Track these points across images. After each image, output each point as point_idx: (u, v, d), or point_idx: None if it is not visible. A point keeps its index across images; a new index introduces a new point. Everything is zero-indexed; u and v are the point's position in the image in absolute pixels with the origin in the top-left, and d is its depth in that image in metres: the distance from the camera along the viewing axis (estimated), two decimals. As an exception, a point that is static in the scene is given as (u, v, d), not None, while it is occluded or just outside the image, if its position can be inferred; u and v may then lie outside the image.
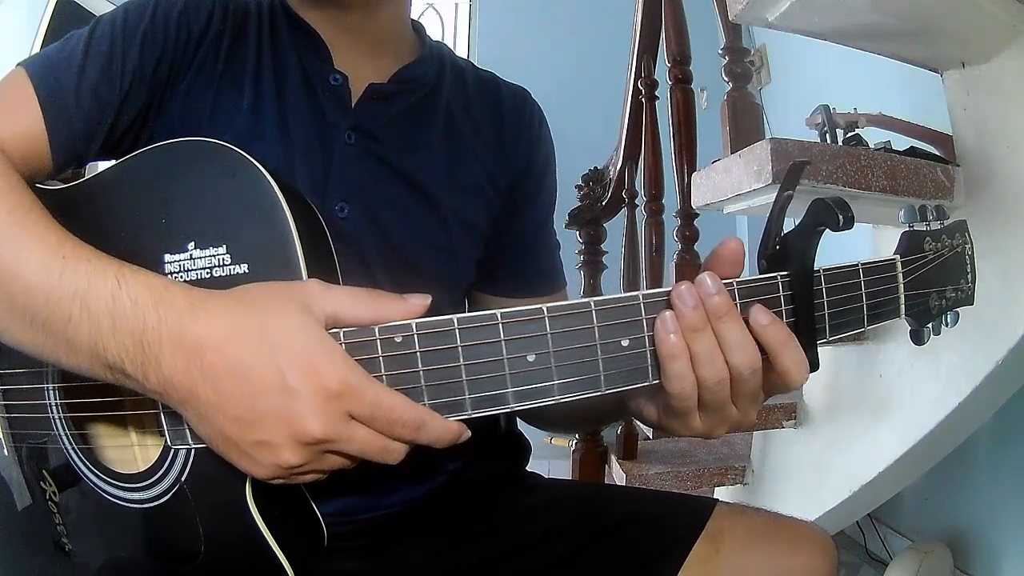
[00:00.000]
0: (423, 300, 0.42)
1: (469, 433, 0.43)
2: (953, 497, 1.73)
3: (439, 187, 0.66)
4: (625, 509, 0.65)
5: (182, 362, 0.39)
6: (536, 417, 0.74)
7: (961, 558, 1.64)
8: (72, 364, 0.42)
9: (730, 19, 1.14)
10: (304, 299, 0.41)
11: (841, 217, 0.42)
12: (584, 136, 2.09)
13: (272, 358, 0.38)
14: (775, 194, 0.46)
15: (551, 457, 1.91)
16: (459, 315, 0.41)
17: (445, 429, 0.41)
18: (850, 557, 1.94)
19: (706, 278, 0.42)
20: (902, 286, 0.49)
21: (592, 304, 0.42)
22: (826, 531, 0.64)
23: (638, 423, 1.48)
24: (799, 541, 0.62)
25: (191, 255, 0.45)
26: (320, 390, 0.38)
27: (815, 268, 0.45)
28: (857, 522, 1.89)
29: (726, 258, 0.45)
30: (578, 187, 1.90)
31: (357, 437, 0.40)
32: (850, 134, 1.28)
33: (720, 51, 1.37)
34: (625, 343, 0.42)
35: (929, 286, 0.50)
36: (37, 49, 2.35)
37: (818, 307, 0.45)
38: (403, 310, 0.42)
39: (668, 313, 0.42)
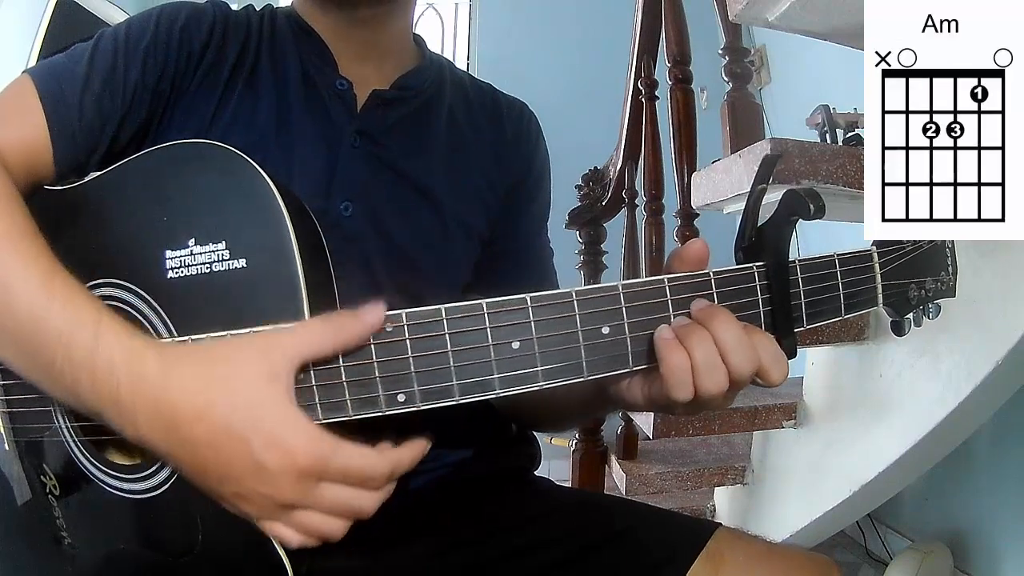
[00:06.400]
0: (377, 311, 0.42)
1: (428, 445, 0.45)
2: (953, 497, 1.73)
3: (441, 190, 0.67)
4: (626, 522, 0.64)
5: (159, 430, 0.41)
6: (529, 415, 0.73)
7: (961, 558, 1.64)
8: (57, 398, 0.45)
9: (730, 19, 1.14)
10: (271, 362, 0.41)
11: (812, 206, 0.44)
12: (584, 136, 2.09)
13: (242, 435, 0.40)
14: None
15: (551, 457, 1.89)
16: (447, 305, 0.43)
17: (412, 458, 0.44)
18: (850, 557, 1.94)
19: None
20: (879, 276, 0.49)
21: (574, 294, 0.43)
22: (829, 559, 0.62)
23: (638, 424, 1.47)
24: (799, 568, 0.60)
25: (191, 251, 0.46)
26: (290, 467, 0.41)
27: (792, 259, 0.46)
28: (857, 522, 1.89)
29: (691, 262, 0.46)
30: (578, 187, 1.90)
31: (327, 496, 0.42)
32: (850, 134, 1.28)
33: (720, 51, 1.37)
34: (605, 331, 0.44)
35: (907, 276, 0.51)
36: (37, 49, 2.35)
37: (795, 296, 0.46)
38: (360, 331, 0.42)
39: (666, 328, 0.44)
